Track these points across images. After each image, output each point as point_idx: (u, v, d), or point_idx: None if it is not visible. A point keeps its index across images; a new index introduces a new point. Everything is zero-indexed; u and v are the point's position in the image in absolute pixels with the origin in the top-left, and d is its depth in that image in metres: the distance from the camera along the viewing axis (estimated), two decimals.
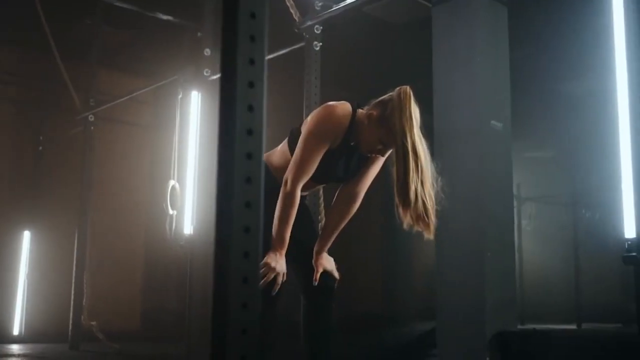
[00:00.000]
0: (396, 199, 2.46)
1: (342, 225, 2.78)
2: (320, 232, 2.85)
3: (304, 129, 2.57)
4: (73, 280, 6.07)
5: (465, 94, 4.12)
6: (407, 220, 2.45)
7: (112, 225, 7.41)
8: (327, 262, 2.74)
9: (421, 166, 2.42)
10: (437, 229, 4.24)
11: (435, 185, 2.50)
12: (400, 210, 2.45)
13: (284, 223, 2.49)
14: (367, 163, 2.72)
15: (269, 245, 2.51)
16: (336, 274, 2.76)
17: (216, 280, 1.39)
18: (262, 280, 2.47)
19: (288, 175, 2.51)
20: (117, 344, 5.91)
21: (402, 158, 2.42)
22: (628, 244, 2.57)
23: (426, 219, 2.45)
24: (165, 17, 5.27)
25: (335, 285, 2.77)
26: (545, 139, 9.85)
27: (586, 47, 6.83)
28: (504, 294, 4.18)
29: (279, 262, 2.49)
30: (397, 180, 2.45)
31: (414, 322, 9.27)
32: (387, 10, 5.68)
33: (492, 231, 4.04)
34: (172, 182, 4.73)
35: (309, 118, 2.62)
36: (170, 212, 4.69)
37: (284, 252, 2.52)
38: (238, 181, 1.41)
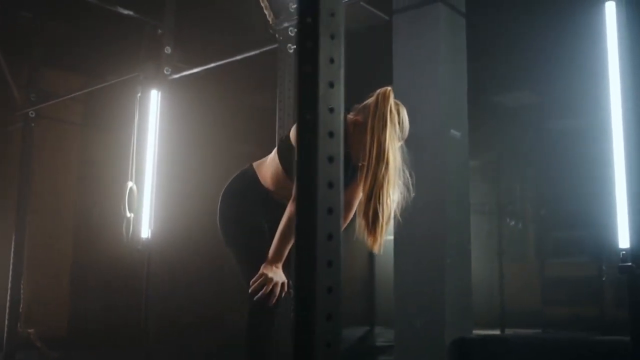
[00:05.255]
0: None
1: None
2: None
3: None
4: (9, 286, 5.73)
5: (425, 103, 4.14)
6: (358, 230, 2.35)
7: (40, 227, 7.05)
8: None
9: (388, 175, 2.30)
10: (397, 235, 4.28)
11: (400, 196, 2.37)
12: (359, 219, 2.36)
13: (287, 241, 2.40)
14: (359, 171, 2.55)
15: (264, 258, 2.45)
16: None
17: (299, 265, 1.33)
18: (261, 292, 2.40)
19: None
20: (56, 353, 5.65)
21: (368, 163, 2.30)
22: (622, 254, 2.65)
23: (373, 232, 2.32)
24: (125, 12, 5.06)
25: None
26: (471, 149, 10.10)
27: (522, 62, 7.05)
28: (462, 300, 4.24)
29: (276, 273, 2.43)
30: (362, 185, 2.35)
31: (350, 327, 9.28)
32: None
33: (451, 238, 4.08)
34: (130, 184, 4.54)
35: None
36: (128, 214, 4.51)
37: (280, 265, 2.45)
38: (321, 186, 1.36)
